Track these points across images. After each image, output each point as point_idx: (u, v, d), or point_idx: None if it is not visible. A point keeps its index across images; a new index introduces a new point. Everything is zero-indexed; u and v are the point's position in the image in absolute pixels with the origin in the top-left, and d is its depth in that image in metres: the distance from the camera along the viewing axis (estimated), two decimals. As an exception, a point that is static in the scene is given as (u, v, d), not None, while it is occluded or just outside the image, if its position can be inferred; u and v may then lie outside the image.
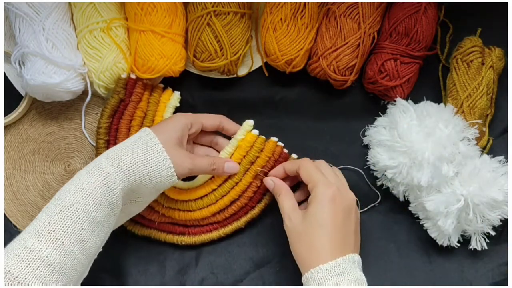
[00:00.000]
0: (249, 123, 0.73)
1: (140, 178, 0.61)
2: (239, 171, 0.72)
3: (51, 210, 0.57)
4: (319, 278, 0.58)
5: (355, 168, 0.74)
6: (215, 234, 0.73)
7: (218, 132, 0.74)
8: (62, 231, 0.55)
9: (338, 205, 0.62)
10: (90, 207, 0.57)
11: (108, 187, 0.59)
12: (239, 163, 0.72)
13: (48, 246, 0.54)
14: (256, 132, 0.72)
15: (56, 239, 0.55)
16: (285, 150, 0.73)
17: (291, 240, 0.64)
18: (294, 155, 0.73)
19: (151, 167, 0.62)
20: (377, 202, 0.74)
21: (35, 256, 0.54)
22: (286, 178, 0.71)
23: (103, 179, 0.58)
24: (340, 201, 0.63)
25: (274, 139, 0.72)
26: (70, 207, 0.56)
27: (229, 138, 0.74)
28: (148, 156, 0.62)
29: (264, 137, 0.72)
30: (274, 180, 0.70)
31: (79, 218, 0.56)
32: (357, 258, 0.63)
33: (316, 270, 0.59)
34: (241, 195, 0.72)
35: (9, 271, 0.52)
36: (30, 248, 0.54)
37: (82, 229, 0.56)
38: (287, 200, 0.67)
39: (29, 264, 0.53)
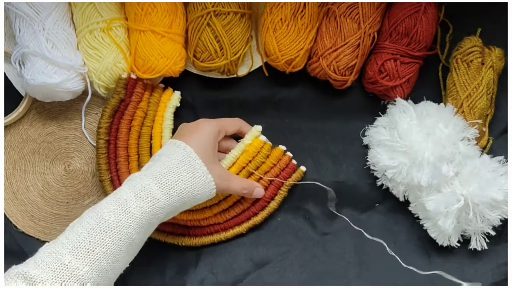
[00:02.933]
0: (257, 128, 0.73)
1: (186, 202, 0.61)
2: (243, 174, 0.72)
3: (92, 228, 0.55)
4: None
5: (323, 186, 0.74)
6: (216, 237, 0.73)
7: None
8: (102, 252, 0.55)
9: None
10: (133, 230, 0.57)
11: (155, 213, 0.58)
12: (244, 167, 0.72)
13: (86, 265, 0.54)
14: (263, 138, 0.73)
15: (95, 259, 0.54)
16: (294, 161, 0.73)
17: None
18: (303, 167, 0.73)
19: (198, 190, 0.62)
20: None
21: (71, 274, 0.53)
22: None
23: (152, 204, 0.58)
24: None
25: (282, 147, 0.73)
26: (114, 229, 0.56)
27: None
28: (195, 181, 0.62)
29: (271, 144, 0.73)
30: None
31: (120, 240, 0.56)
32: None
33: None
34: (244, 197, 0.73)
35: (44, 284, 0.52)
36: (67, 265, 0.53)
37: (121, 250, 0.56)
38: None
39: (64, 281, 0.52)
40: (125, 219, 0.56)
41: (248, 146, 0.72)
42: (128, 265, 0.61)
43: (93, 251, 0.54)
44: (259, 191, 0.71)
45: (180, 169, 0.61)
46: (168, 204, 0.59)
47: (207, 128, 0.67)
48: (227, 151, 0.73)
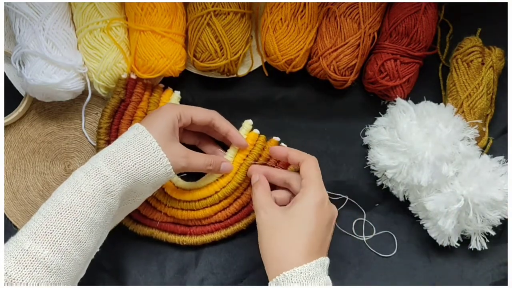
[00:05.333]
0: (249, 122, 0.73)
1: (138, 179, 0.61)
2: (242, 171, 0.72)
3: (48, 211, 0.56)
4: (293, 280, 0.56)
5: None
6: (216, 235, 0.73)
7: (220, 144, 0.75)
8: (60, 233, 0.55)
9: (326, 211, 0.62)
10: (88, 209, 0.57)
11: (106, 190, 0.58)
12: (241, 163, 0.72)
13: (46, 248, 0.54)
14: (257, 131, 0.73)
15: (54, 241, 0.55)
16: (285, 145, 0.73)
17: (264, 235, 0.60)
18: None
19: (149, 167, 0.62)
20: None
21: (33, 258, 0.53)
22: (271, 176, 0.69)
23: (101, 181, 0.58)
24: (328, 208, 0.62)
25: (276, 138, 0.73)
26: (68, 209, 0.56)
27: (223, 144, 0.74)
28: (145, 157, 0.61)
29: (264, 136, 0.73)
30: (260, 175, 0.68)
31: (77, 220, 0.56)
32: (327, 261, 0.60)
33: (290, 273, 0.56)
34: (243, 192, 0.73)
35: (6, 273, 0.52)
36: (27, 250, 0.54)
37: (80, 230, 0.56)
38: (265, 194, 0.65)
39: (26, 266, 0.53)
40: (78, 198, 0.57)
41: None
42: (98, 250, 0.61)
43: (50, 233, 0.55)
44: (226, 165, 0.70)
45: (129, 147, 0.61)
46: (119, 181, 0.59)
47: (166, 111, 0.66)
48: (196, 144, 0.74)
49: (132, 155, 0.61)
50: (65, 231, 0.55)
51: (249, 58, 0.77)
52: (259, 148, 0.72)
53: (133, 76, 0.72)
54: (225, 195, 0.72)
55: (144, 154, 0.62)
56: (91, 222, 0.57)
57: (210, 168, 0.69)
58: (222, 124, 0.70)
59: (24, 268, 0.53)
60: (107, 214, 0.59)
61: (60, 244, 0.55)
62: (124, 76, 0.72)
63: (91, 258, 0.60)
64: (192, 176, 0.74)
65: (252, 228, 0.74)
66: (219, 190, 0.72)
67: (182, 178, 0.74)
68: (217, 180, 0.72)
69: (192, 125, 0.69)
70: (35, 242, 0.54)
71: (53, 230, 0.55)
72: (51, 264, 0.54)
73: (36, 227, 0.55)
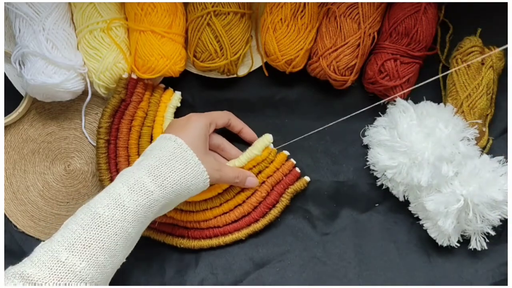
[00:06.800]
0: (268, 138, 0.74)
1: (180, 193, 0.61)
2: None
3: (87, 223, 0.55)
4: None
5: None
6: (214, 242, 0.73)
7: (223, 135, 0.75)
8: (98, 247, 0.54)
9: None
10: (128, 224, 0.57)
11: (150, 205, 0.58)
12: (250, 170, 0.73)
13: (83, 261, 0.53)
14: (272, 147, 0.74)
15: (91, 254, 0.54)
16: (297, 169, 0.73)
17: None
18: (307, 178, 0.73)
19: (191, 181, 0.62)
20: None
21: (69, 270, 0.53)
22: None
23: (146, 197, 0.58)
24: None
25: (286, 153, 0.74)
26: (108, 223, 0.55)
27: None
28: (188, 171, 0.61)
29: (276, 149, 0.74)
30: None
31: (116, 234, 0.56)
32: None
33: None
34: (245, 201, 0.73)
35: (41, 284, 0.51)
36: (63, 262, 0.53)
37: (117, 245, 0.56)
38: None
39: (61, 278, 0.52)
40: (120, 213, 0.56)
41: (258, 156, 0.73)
42: (125, 260, 0.60)
43: (89, 246, 0.54)
44: (251, 180, 0.71)
45: (172, 161, 0.61)
46: (163, 196, 0.59)
47: (197, 121, 0.67)
48: (218, 148, 0.74)
49: (176, 169, 0.60)
50: (103, 245, 0.55)
51: (249, 58, 0.77)
52: (268, 160, 0.73)
53: (134, 76, 0.72)
54: (226, 199, 0.72)
55: (187, 168, 0.61)
56: (128, 237, 0.57)
57: (237, 181, 0.69)
58: (237, 123, 0.74)
59: (59, 280, 0.52)
60: (142, 227, 0.59)
61: (97, 258, 0.54)
62: (125, 76, 0.72)
63: (117, 269, 0.60)
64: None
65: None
66: (221, 192, 0.72)
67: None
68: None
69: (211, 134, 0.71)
70: (72, 255, 0.53)
71: (91, 244, 0.54)
72: (86, 278, 0.53)
73: (74, 239, 0.54)
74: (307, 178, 0.73)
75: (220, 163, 0.69)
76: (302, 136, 0.74)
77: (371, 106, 0.71)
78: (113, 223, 0.56)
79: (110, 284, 0.72)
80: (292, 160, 0.73)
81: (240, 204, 0.73)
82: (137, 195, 0.57)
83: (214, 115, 0.71)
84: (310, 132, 0.74)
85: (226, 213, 0.73)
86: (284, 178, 0.73)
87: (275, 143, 0.74)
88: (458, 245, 0.69)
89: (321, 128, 0.73)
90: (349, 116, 0.71)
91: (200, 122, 0.66)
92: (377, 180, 0.73)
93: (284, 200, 0.72)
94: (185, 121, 0.67)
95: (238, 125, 0.74)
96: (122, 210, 0.56)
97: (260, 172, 0.73)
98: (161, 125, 0.74)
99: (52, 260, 0.53)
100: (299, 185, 0.73)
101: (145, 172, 0.59)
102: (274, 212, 0.72)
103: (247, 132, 0.75)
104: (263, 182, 0.73)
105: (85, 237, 0.54)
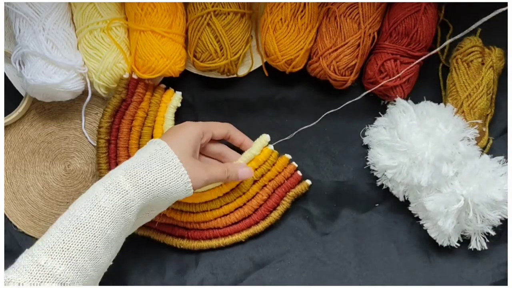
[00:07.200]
0: (265, 138, 0.73)
1: (158, 195, 0.61)
2: (248, 181, 0.72)
3: (65, 226, 0.55)
4: None
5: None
6: (214, 243, 0.73)
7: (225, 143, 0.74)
8: (77, 249, 0.54)
9: None
10: (106, 225, 0.56)
11: (126, 205, 0.58)
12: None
13: (62, 264, 0.53)
14: (271, 147, 0.73)
15: (70, 257, 0.54)
16: (299, 173, 0.73)
17: None
18: (308, 181, 0.73)
19: (169, 183, 0.61)
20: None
21: (48, 274, 0.53)
22: None
23: (121, 197, 0.58)
24: None
25: (288, 156, 0.73)
26: (86, 225, 0.55)
27: (236, 150, 0.74)
28: (166, 172, 0.61)
29: (277, 152, 0.73)
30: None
31: (95, 236, 0.55)
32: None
33: None
34: (246, 203, 0.73)
35: (20, 286, 0.52)
36: (43, 266, 0.53)
37: (97, 247, 0.56)
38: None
39: (41, 282, 0.52)
40: (97, 214, 0.56)
41: (257, 156, 0.72)
42: (111, 263, 0.60)
43: (67, 249, 0.54)
44: (244, 171, 0.70)
45: (150, 161, 0.61)
46: (138, 196, 0.59)
47: (189, 128, 0.66)
48: (219, 155, 0.73)
49: (153, 170, 0.60)
50: (82, 247, 0.55)
51: (249, 58, 0.77)
52: (269, 163, 0.72)
53: (134, 76, 0.72)
54: (227, 201, 0.72)
55: (165, 169, 0.61)
56: (108, 238, 0.57)
57: (228, 176, 0.68)
58: (236, 135, 0.73)
59: (39, 284, 0.52)
60: (123, 230, 0.59)
61: (77, 261, 0.54)
62: (126, 76, 0.72)
63: (104, 272, 0.59)
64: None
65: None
66: (222, 196, 0.72)
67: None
68: (221, 185, 0.72)
69: (211, 141, 0.71)
70: (51, 258, 0.53)
71: (70, 246, 0.54)
72: (67, 281, 0.53)
73: (52, 242, 0.54)
74: (308, 182, 0.73)
75: (206, 164, 0.68)
76: (294, 134, 0.75)
77: (363, 94, 0.72)
78: (91, 224, 0.55)
79: (111, 284, 0.72)
80: (294, 163, 0.73)
81: (240, 207, 0.73)
82: (112, 194, 0.57)
83: (211, 124, 0.71)
84: (298, 130, 0.75)
85: (226, 214, 0.73)
86: (285, 181, 0.72)
87: (273, 143, 0.74)
88: (458, 245, 0.69)
89: (314, 123, 0.74)
90: (342, 106, 0.73)
91: (193, 129, 0.66)
92: (377, 180, 0.73)
93: (285, 203, 0.72)
94: (179, 127, 0.68)
95: (238, 137, 0.73)
96: (98, 211, 0.56)
97: (262, 175, 0.73)
98: (161, 125, 0.74)
99: (32, 264, 0.53)
100: (300, 188, 0.72)
101: (121, 171, 0.59)
102: (275, 215, 0.72)
103: (248, 145, 0.74)
104: (265, 185, 0.73)
105: (63, 240, 0.54)
